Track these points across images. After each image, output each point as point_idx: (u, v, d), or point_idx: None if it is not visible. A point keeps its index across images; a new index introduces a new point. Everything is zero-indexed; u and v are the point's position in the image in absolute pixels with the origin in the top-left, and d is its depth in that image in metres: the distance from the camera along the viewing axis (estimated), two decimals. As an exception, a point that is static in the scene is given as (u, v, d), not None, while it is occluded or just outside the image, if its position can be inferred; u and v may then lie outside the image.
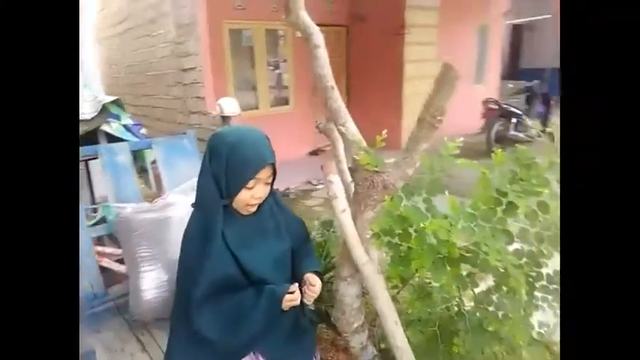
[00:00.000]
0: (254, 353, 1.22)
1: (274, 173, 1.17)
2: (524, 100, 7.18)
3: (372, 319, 1.69)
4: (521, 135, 6.46)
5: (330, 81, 1.48)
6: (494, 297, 1.36)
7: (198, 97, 5.30)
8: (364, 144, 1.37)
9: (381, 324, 1.33)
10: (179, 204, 1.65)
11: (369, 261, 1.30)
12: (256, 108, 6.51)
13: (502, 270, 1.22)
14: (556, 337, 1.35)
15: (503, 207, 1.25)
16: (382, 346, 1.61)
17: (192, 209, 1.22)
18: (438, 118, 1.18)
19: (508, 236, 1.24)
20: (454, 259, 1.26)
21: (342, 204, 1.26)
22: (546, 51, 10.76)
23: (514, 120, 6.48)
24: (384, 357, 1.57)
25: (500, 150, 1.29)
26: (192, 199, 1.56)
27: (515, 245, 1.28)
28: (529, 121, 6.11)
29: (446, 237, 1.22)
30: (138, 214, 1.53)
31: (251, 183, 1.12)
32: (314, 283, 1.20)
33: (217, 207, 1.14)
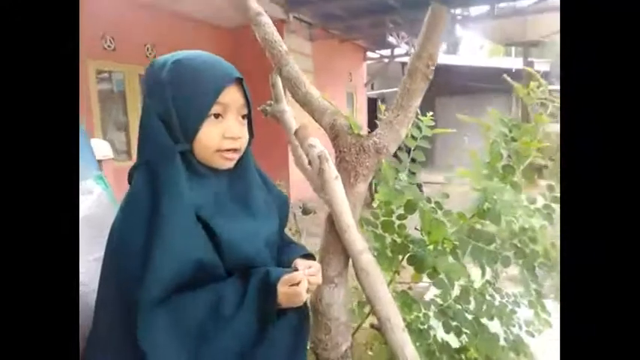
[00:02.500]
0: None
1: (249, 107, 0.82)
2: None
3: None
4: None
5: (284, 46, 1.23)
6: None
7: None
8: (336, 108, 1.13)
9: (385, 333, 1.02)
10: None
11: (367, 249, 1.01)
12: (128, 154, 5.74)
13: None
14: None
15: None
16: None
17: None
18: (430, 66, 1.03)
19: (516, 189, 1.09)
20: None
21: (333, 169, 0.96)
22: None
23: None
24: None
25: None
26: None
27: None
28: None
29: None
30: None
31: (216, 109, 0.76)
32: (311, 267, 0.84)
33: (172, 156, 0.74)
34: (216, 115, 0.77)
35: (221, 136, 0.77)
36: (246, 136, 0.81)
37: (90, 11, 4.77)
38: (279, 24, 6.65)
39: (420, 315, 1.23)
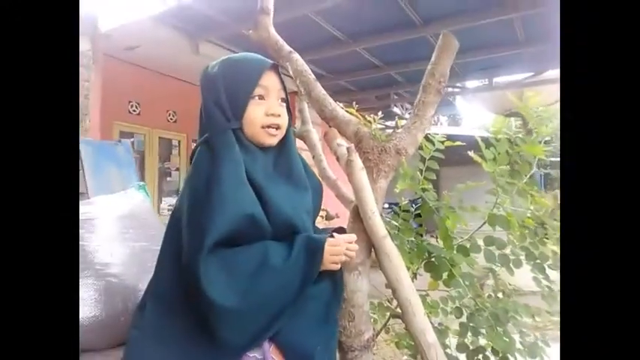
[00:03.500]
0: (269, 341, 0.84)
1: (285, 92, 0.98)
2: None
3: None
4: None
5: (311, 75, 1.44)
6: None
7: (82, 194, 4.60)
8: (361, 120, 1.29)
9: (406, 316, 1.07)
10: (100, 203, 1.25)
11: (388, 235, 1.10)
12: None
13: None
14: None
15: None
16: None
17: (118, 214, 0.91)
18: (442, 83, 1.21)
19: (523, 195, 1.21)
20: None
21: (360, 161, 1.09)
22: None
23: None
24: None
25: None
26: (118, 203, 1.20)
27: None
28: None
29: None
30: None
31: (259, 91, 0.92)
32: (348, 239, 0.94)
33: (225, 131, 0.89)
34: (260, 97, 0.93)
35: (264, 114, 0.92)
36: (286, 116, 0.97)
37: (119, 78, 5.25)
38: (292, 95, 7.19)
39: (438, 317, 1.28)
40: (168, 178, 6.60)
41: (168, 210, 6.18)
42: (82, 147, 1.43)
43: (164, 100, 6.31)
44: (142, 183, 1.48)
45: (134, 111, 6.02)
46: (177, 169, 6.63)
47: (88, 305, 1.02)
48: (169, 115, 6.46)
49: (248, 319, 0.81)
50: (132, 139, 6.03)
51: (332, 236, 0.95)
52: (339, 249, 0.89)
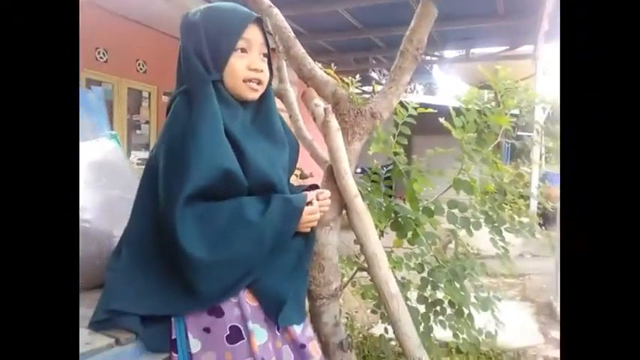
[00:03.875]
0: (244, 290, 0.89)
1: (267, 47, 0.97)
2: None
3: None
4: None
5: (291, 33, 1.43)
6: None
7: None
8: (339, 82, 1.31)
9: (372, 269, 1.15)
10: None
11: (359, 195, 1.16)
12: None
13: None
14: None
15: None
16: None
17: (91, 161, 0.94)
18: (419, 49, 1.24)
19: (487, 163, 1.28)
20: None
21: (336, 122, 1.12)
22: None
23: None
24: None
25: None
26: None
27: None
28: None
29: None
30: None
31: (242, 44, 0.91)
32: (323, 196, 0.99)
33: (205, 83, 0.89)
34: (242, 50, 0.92)
35: (246, 67, 0.92)
36: (267, 71, 0.97)
37: (85, 23, 4.94)
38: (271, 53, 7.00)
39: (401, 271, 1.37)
40: (137, 131, 6.40)
41: (137, 164, 6.04)
42: (52, 91, 1.38)
43: (133, 49, 6.01)
44: (113, 132, 1.46)
45: (101, 58, 5.72)
46: (147, 122, 6.43)
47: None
48: (139, 65, 6.18)
49: (221, 271, 0.84)
50: (99, 88, 5.77)
51: (308, 193, 0.99)
52: (314, 217, 0.94)
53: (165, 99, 6.76)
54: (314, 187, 1.07)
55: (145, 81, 6.27)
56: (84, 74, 5.50)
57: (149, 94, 6.45)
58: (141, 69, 6.21)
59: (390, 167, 1.56)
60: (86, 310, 0.94)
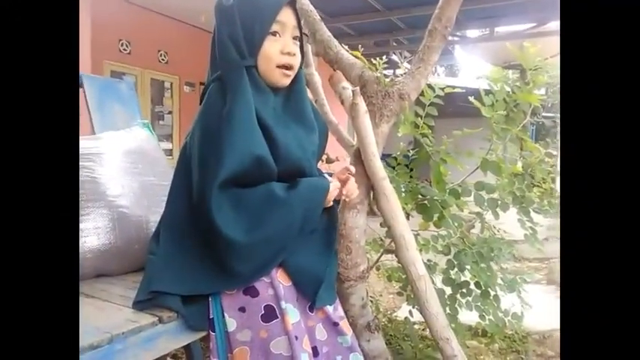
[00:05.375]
0: (277, 271, 0.92)
1: (300, 30, 0.97)
2: None
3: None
4: None
5: (317, 16, 1.43)
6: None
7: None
8: (365, 63, 1.31)
9: (399, 251, 1.17)
10: (108, 138, 1.28)
11: (387, 177, 1.17)
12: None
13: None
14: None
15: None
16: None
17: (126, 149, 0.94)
18: (448, 28, 1.22)
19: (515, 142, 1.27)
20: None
21: (364, 104, 1.13)
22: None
23: None
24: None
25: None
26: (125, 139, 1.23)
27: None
28: None
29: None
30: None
31: (275, 27, 0.92)
32: (350, 186, 1.01)
33: (239, 69, 0.90)
34: (274, 33, 0.93)
35: (279, 52, 0.93)
36: (299, 55, 0.98)
37: (109, 16, 5.03)
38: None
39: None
40: (160, 122, 6.52)
41: (162, 153, 6.16)
42: (85, 82, 1.43)
43: (155, 40, 6.09)
44: (145, 121, 1.50)
45: (124, 50, 5.83)
46: (170, 113, 6.54)
47: (104, 233, 1.08)
48: (160, 56, 6.27)
49: (256, 251, 0.88)
50: (130, 78, 5.89)
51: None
52: (336, 185, 0.96)
53: (187, 89, 6.85)
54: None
55: (167, 71, 6.36)
56: (108, 66, 5.63)
57: (171, 84, 6.54)
58: (163, 59, 6.30)
59: (415, 151, 1.56)
60: (127, 291, 1.00)
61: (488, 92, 1.29)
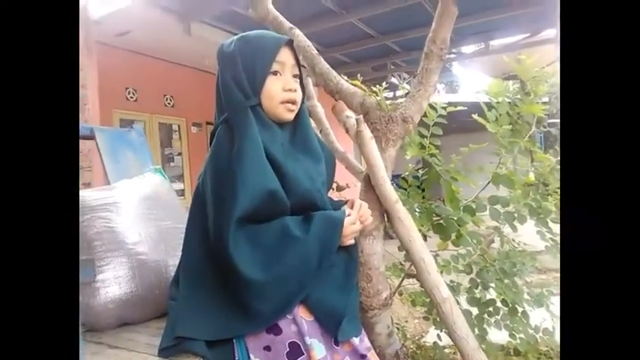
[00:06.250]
0: (298, 306, 0.91)
1: (299, 68, 1.01)
2: None
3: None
4: None
5: (314, 50, 1.47)
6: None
7: (84, 184, 4.65)
8: (366, 91, 1.34)
9: (420, 275, 1.15)
10: (122, 187, 1.31)
11: (399, 200, 1.17)
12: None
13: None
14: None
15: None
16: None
17: (141, 195, 0.96)
18: (444, 49, 1.24)
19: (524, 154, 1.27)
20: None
21: (369, 131, 1.14)
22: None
23: None
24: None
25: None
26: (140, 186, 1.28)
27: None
28: None
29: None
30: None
31: (275, 67, 0.95)
32: (361, 207, 1.00)
33: (244, 109, 0.93)
34: (275, 73, 0.96)
35: (281, 89, 0.96)
36: (300, 91, 1.01)
37: (115, 65, 5.23)
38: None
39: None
40: (171, 164, 6.63)
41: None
42: (97, 134, 1.48)
43: (160, 85, 6.28)
44: (157, 167, 1.54)
45: (131, 97, 6.01)
46: (180, 154, 6.66)
47: (125, 282, 1.09)
48: (166, 100, 6.44)
49: (274, 290, 0.87)
50: (140, 126, 6.05)
51: (346, 207, 1.01)
52: (355, 227, 0.95)
53: (194, 130, 7.00)
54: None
55: (173, 114, 6.52)
56: (117, 115, 5.80)
57: (179, 126, 6.69)
58: (169, 103, 6.47)
59: (425, 171, 1.56)
60: (152, 339, 0.99)
61: (490, 107, 1.29)
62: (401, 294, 1.69)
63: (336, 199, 1.10)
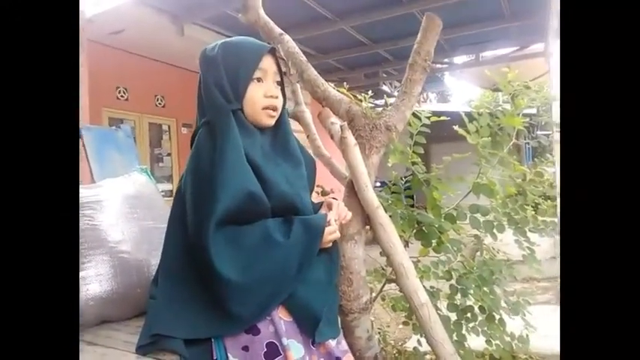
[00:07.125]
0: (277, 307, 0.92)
1: (281, 75, 1.03)
2: None
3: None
4: None
5: (303, 57, 1.49)
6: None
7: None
8: (352, 99, 1.36)
9: (400, 279, 1.17)
10: (107, 186, 1.31)
11: (381, 206, 1.19)
12: (137, 199, 5.90)
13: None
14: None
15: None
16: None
17: (125, 195, 0.97)
18: (428, 61, 1.28)
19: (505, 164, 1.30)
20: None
21: (353, 138, 1.17)
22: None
23: None
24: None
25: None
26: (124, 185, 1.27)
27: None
28: None
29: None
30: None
31: (258, 74, 0.98)
32: (340, 209, 1.02)
33: (226, 113, 0.94)
34: (258, 79, 0.99)
35: (263, 95, 0.98)
36: (281, 97, 1.03)
37: (106, 64, 5.20)
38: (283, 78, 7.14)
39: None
40: (160, 164, 6.60)
41: (162, 196, 6.18)
42: (83, 133, 1.48)
43: (151, 85, 6.26)
44: (144, 167, 1.54)
45: (122, 96, 5.98)
46: (169, 155, 6.63)
47: (106, 280, 1.10)
48: (157, 100, 6.42)
49: (253, 292, 0.88)
50: (127, 126, 6.02)
51: (325, 212, 1.03)
52: (335, 235, 0.97)
53: (185, 130, 6.98)
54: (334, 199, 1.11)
55: (164, 115, 6.49)
56: (106, 113, 5.76)
57: (169, 126, 6.66)
58: (159, 103, 6.45)
59: (408, 177, 1.59)
60: (131, 337, 1.00)
61: (471, 118, 1.33)
62: (384, 299, 1.71)
63: (317, 202, 1.13)
